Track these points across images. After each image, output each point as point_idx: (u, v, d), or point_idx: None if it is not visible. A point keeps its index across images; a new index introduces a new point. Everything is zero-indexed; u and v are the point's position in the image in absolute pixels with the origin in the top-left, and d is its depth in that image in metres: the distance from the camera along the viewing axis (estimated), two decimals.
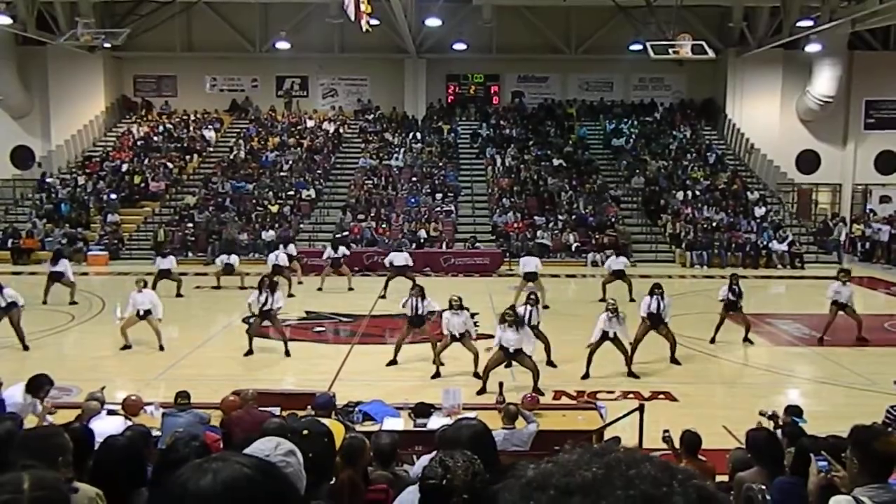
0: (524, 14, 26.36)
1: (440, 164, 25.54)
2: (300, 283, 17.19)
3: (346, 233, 21.38)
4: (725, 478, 4.76)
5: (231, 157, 25.98)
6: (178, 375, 9.70)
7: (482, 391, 8.98)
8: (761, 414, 5.85)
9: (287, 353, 10.88)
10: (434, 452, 2.65)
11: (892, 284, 18.46)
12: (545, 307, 12.83)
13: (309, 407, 6.34)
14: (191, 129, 27.46)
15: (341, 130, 27.60)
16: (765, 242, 21.69)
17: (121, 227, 22.62)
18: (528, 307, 10.00)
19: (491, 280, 18.55)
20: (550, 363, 10.23)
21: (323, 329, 13.23)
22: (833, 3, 19.55)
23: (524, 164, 25.38)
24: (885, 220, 23.79)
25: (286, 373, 10.38)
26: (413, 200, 23.45)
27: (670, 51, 19.22)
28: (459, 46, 26.58)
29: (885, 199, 27.05)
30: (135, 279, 11.87)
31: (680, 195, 23.66)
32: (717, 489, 0.82)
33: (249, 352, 10.91)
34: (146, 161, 25.42)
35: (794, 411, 6.17)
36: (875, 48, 26.49)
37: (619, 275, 15.24)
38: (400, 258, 16.31)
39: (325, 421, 4.17)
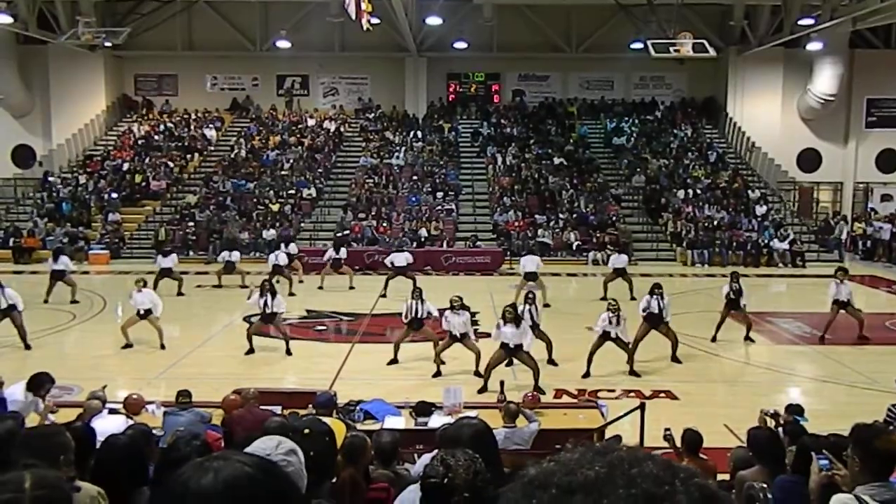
0: (525, 12, 26.33)
1: (441, 162, 25.53)
2: (301, 281, 17.20)
3: (346, 232, 21.38)
4: (727, 476, 4.75)
5: (232, 155, 25.98)
6: (179, 374, 9.71)
7: (483, 390, 8.99)
8: (764, 413, 5.84)
9: (288, 352, 10.90)
10: (435, 451, 2.65)
11: (893, 283, 18.44)
12: (546, 305, 12.84)
13: (310, 406, 6.34)
14: (192, 128, 27.46)
15: (342, 129, 27.60)
16: (766, 241, 21.67)
17: (122, 226, 22.64)
18: (527, 306, 10.02)
19: (492, 279, 18.55)
20: (551, 362, 10.24)
21: (324, 328, 13.24)
22: (834, 2, 19.51)
23: (525, 162, 25.37)
24: (887, 219, 23.78)
25: (287, 371, 10.39)
26: (414, 199, 23.45)
27: (671, 49, 19.20)
28: (460, 45, 26.56)
29: (886, 198, 27.03)
30: (135, 279, 11.89)
31: (681, 194, 23.64)
32: (719, 488, 0.82)
33: (250, 351, 10.92)
34: (147, 160, 25.43)
35: (795, 410, 6.17)
36: (876, 46, 26.43)
37: (620, 273, 15.24)
38: (400, 258, 16.32)
39: (326, 420, 4.17)
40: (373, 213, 22.57)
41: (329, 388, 8.36)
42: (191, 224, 22.16)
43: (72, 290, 14.73)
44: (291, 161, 25.43)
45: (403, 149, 26.18)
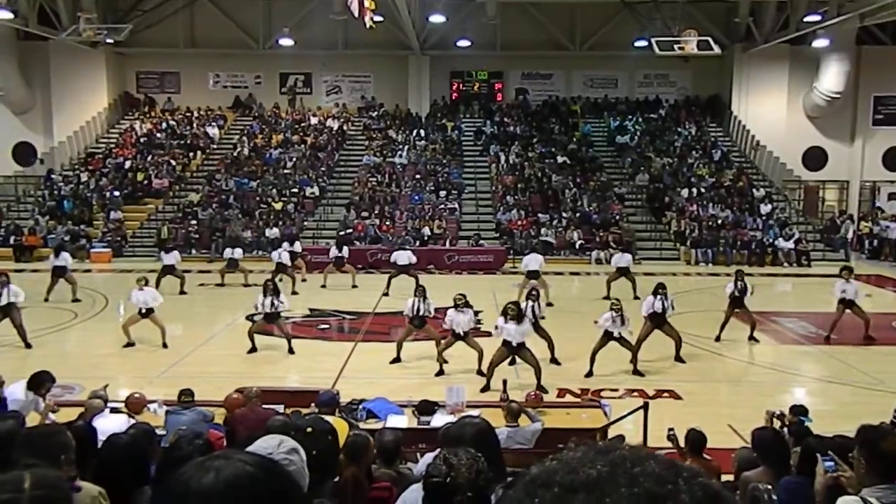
0: (528, 10, 26.30)
1: (444, 161, 25.52)
2: (304, 280, 17.22)
3: (349, 230, 21.39)
4: (731, 477, 4.73)
5: (235, 154, 25.99)
6: (181, 373, 9.71)
7: (486, 388, 8.98)
8: (770, 415, 5.81)
9: (291, 351, 10.90)
10: (438, 450, 2.63)
11: None
12: (549, 304, 12.82)
13: (313, 404, 6.33)
14: (194, 125, 27.48)
15: (345, 128, 27.59)
16: (771, 240, 21.60)
17: (124, 224, 22.66)
18: (529, 302, 10.01)
19: (494, 277, 18.53)
20: (554, 361, 10.22)
21: (327, 326, 13.24)
22: None
23: (528, 161, 25.34)
24: (893, 218, 23.67)
25: (290, 370, 10.39)
26: (417, 198, 23.44)
27: (675, 47, 19.18)
28: (463, 43, 26.53)
29: (893, 197, 26.91)
30: (136, 277, 11.89)
31: (685, 192, 23.58)
32: (722, 487, 0.81)
33: (253, 349, 10.92)
34: (149, 158, 25.45)
35: (798, 411, 6.13)
36: (884, 43, 26.23)
37: (623, 272, 15.21)
38: (403, 257, 16.32)
39: (328, 418, 4.15)
40: (376, 212, 22.57)
41: (332, 386, 8.34)
42: (193, 222, 22.18)
43: (72, 288, 14.73)
44: (294, 159, 25.44)
45: (406, 147, 26.17)
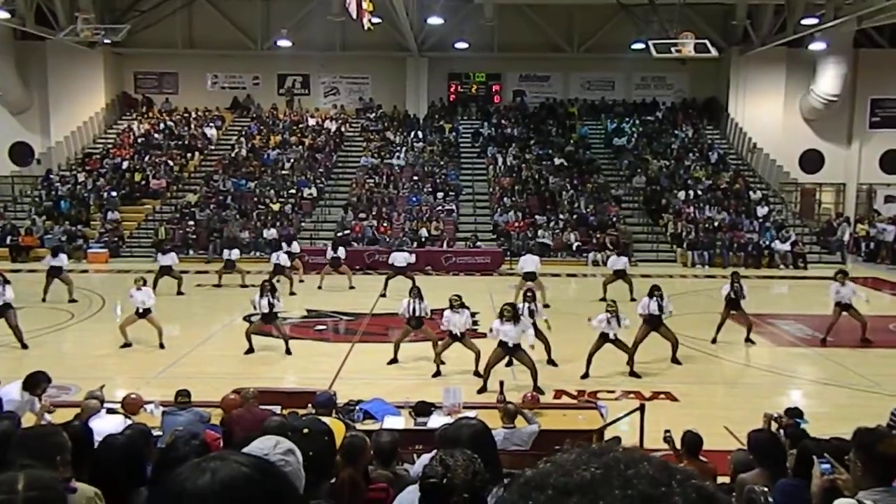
0: (526, 12, 26.33)
1: (441, 162, 25.53)
2: (301, 280, 17.21)
3: (347, 231, 21.38)
4: (727, 479, 4.74)
5: (232, 155, 25.97)
6: (178, 374, 9.69)
7: (483, 390, 8.98)
8: (768, 417, 5.81)
9: (288, 352, 10.89)
10: (434, 451, 2.63)
11: None
12: (546, 306, 12.83)
13: (309, 405, 6.33)
14: (192, 126, 27.45)
15: (343, 129, 27.59)
16: (767, 242, 21.64)
17: (121, 224, 22.62)
18: (525, 304, 10.02)
19: (492, 279, 18.53)
20: (551, 362, 10.23)
21: (324, 327, 13.23)
22: (838, 1, 19.46)
23: (525, 163, 25.36)
24: (890, 220, 23.72)
25: (287, 371, 10.38)
26: (414, 199, 23.44)
27: (673, 49, 19.18)
28: (461, 45, 26.56)
29: (889, 199, 26.93)
30: (134, 277, 11.87)
31: (682, 195, 23.62)
32: (716, 489, 0.81)
33: (250, 350, 10.91)
34: (147, 158, 25.41)
35: (794, 413, 6.14)
36: (881, 46, 26.30)
37: (620, 274, 15.23)
38: (400, 259, 16.34)
39: (325, 419, 4.15)
40: (373, 213, 22.56)
41: (329, 387, 8.34)
42: (191, 223, 22.15)
43: (69, 288, 14.69)
44: (292, 160, 25.43)
45: (404, 149, 26.17)
